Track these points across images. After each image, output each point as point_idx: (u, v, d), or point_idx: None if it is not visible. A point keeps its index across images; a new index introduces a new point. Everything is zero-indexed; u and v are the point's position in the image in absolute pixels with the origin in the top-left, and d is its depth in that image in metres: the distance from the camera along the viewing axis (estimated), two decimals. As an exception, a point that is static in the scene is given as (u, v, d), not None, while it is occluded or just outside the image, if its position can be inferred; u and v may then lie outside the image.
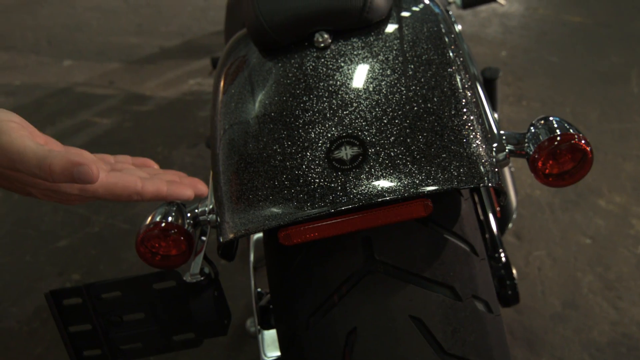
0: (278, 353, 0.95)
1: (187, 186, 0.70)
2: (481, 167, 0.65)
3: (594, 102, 2.28)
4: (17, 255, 1.75)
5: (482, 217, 1.06)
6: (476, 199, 1.11)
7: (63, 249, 1.77)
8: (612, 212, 1.79)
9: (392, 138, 0.66)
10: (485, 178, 0.65)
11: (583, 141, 0.68)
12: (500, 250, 1.04)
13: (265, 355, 0.94)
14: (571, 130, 0.69)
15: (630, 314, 1.48)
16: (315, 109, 0.69)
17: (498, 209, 1.13)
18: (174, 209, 0.78)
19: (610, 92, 2.34)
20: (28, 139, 0.57)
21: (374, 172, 0.64)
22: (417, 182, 0.63)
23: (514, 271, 1.03)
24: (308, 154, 0.67)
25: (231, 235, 0.66)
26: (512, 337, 1.43)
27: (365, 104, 0.69)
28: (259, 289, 1.00)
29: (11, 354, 1.45)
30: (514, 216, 1.24)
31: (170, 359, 1.43)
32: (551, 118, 0.73)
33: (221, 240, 0.69)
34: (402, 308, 0.68)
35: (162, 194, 0.66)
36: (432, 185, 0.63)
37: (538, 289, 1.56)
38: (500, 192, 0.70)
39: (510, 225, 1.23)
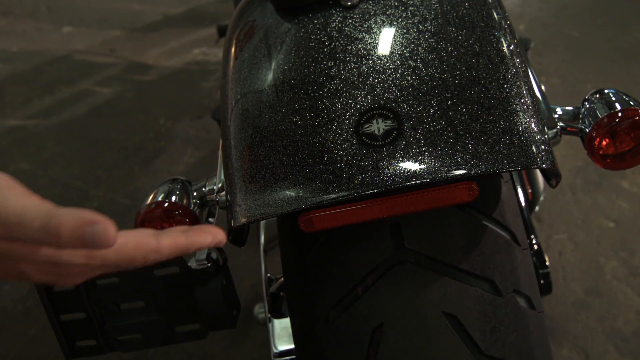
0: (290, 345, 0.88)
1: (204, 232, 0.59)
2: (533, 147, 0.57)
3: (616, 79, 2.21)
4: (13, 230, 1.69)
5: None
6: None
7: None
8: (637, 194, 1.74)
9: (432, 111, 0.58)
10: (539, 159, 0.57)
11: None
12: (532, 236, 0.96)
13: (275, 347, 0.87)
14: (633, 104, 0.61)
15: (657, 302, 1.42)
16: (342, 77, 0.61)
17: (530, 190, 1.05)
18: (179, 186, 0.71)
19: (634, 69, 2.26)
20: (26, 196, 0.47)
21: (410, 149, 0.57)
22: (461, 162, 0.55)
23: (547, 258, 0.96)
24: (334, 127, 0.59)
25: (244, 220, 0.59)
26: (532, 326, 1.37)
27: (399, 71, 0.60)
28: (269, 274, 0.93)
29: (5, 334, 1.41)
30: (542, 198, 1.16)
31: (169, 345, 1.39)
32: (607, 91, 0.66)
33: (232, 224, 0.61)
34: (435, 303, 0.62)
35: (181, 246, 0.56)
36: (478, 166, 0.55)
37: (559, 275, 1.51)
38: (555, 174, 0.62)
39: (537, 208, 1.16)
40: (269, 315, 0.92)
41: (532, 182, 1.15)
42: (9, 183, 0.48)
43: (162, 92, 2.34)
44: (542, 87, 0.71)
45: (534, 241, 0.97)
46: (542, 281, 0.96)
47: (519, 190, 0.98)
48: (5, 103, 2.29)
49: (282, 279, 0.92)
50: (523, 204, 0.97)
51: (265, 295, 0.92)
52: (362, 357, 0.63)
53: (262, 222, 1.00)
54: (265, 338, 1.38)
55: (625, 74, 2.23)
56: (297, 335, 0.71)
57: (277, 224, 0.76)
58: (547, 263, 0.96)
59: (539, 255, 0.97)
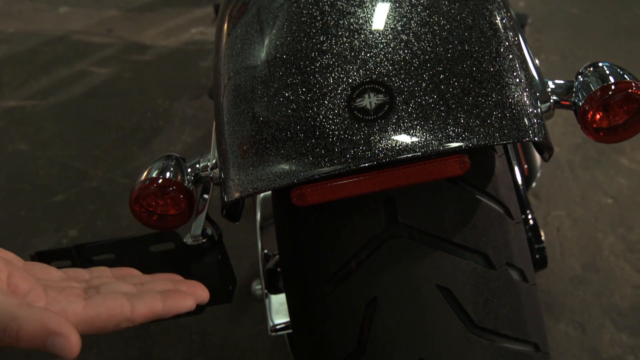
0: (286, 319, 0.89)
1: (185, 295, 0.56)
2: (526, 119, 0.57)
3: (616, 56, 2.19)
4: (12, 211, 1.70)
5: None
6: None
7: (59, 204, 1.73)
8: (636, 170, 1.74)
9: (424, 84, 0.57)
10: (531, 132, 0.57)
11: None
12: (528, 211, 0.97)
13: (272, 321, 0.88)
14: (626, 77, 0.61)
15: (654, 277, 1.42)
16: (334, 51, 0.60)
17: (526, 166, 1.05)
18: (173, 163, 0.71)
19: (634, 46, 2.25)
20: None
21: (402, 123, 0.56)
22: (453, 135, 0.55)
23: (542, 234, 0.96)
24: (326, 102, 0.58)
25: (237, 195, 0.59)
26: (529, 301, 1.38)
27: (392, 45, 0.60)
28: (265, 251, 0.94)
29: None
30: (539, 174, 1.16)
31: (171, 319, 1.39)
32: (601, 64, 0.65)
33: (225, 199, 0.61)
34: (428, 277, 0.62)
35: (157, 313, 0.53)
36: (470, 139, 0.55)
37: (557, 251, 1.51)
38: (547, 147, 0.61)
39: (534, 184, 1.16)
40: (266, 291, 0.93)
41: (529, 158, 1.15)
42: None
43: (160, 72, 2.32)
44: (536, 61, 0.71)
45: (529, 216, 0.97)
46: (537, 256, 0.96)
47: (515, 166, 0.98)
48: (2, 84, 2.27)
49: (278, 255, 0.93)
50: (519, 179, 0.97)
51: (262, 271, 0.92)
52: (356, 330, 0.64)
53: (258, 200, 1.00)
54: (263, 314, 1.39)
55: (625, 51, 2.21)
56: (292, 309, 0.71)
57: (272, 200, 0.76)
58: (543, 238, 0.97)
59: (534, 230, 0.97)
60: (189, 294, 0.56)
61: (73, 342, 0.42)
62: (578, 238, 1.54)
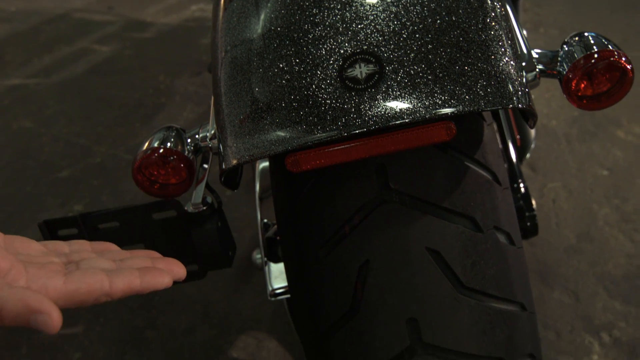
0: (284, 284, 0.92)
1: (162, 272, 0.58)
2: (510, 87, 0.59)
3: (615, 29, 2.21)
4: (18, 187, 1.75)
5: (501, 145, 1.01)
6: (495, 125, 1.06)
7: (64, 179, 1.77)
8: (631, 143, 1.77)
9: (412, 54, 0.60)
10: (515, 98, 0.59)
11: (623, 59, 0.62)
12: (520, 180, 0.99)
13: (271, 286, 0.92)
14: (610, 47, 0.63)
15: (647, 246, 1.46)
16: (326, 23, 0.63)
17: (518, 137, 1.07)
18: (173, 133, 0.74)
19: (634, 19, 2.26)
20: None
21: (392, 92, 0.59)
22: (440, 102, 0.58)
23: (534, 202, 0.99)
24: (318, 72, 0.61)
25: (234, 162, 0.62)
26: (524, 270, 1.41)
27: (381, 17, 0.62)
28: (265, 220, 0.98)
29: None
30: (533, 146, 1.19)
31: (175, 289, 1.46)
32: (587, 34, 0.67)
33: (224, 166, 0.64)
34: (419, 240, 0.65)
35: (135, 289, 0.55)
36: (456, 106, 0.58)
37: (552, 222, 1.55)
38: (531, 114, 0.64)
39: (528, 155, 1.18)
40: (265, 258, 0.96)
41: (522, 129, 1.17)
42: None
43: (161, 49, 2.35)
44: (524, 32, 0.73)
45: (521, 185, 1.00)
46: (528, 223, 0.99)
47: (508, 136, 1.00)
48: (5, 62, 2.31)
49: (276, 223, 0.96)
50: (511, 149, 1.00)
51: (262, 240, 0.96)
52: (350, 291, 0.67)
53: (257, 172, 1.03)
54: (264, 284, 1.43)
55: (624, 24, 2.22)
56: (289, 273, 0.75)
57: (269, 169, 0.79)
58: (534, 206, 1.00)
59: (526, 198, 1.00)
60: (166, 271, 0.58)
61: (54, 319, 0.45)
62: (573, 209, 1.57)
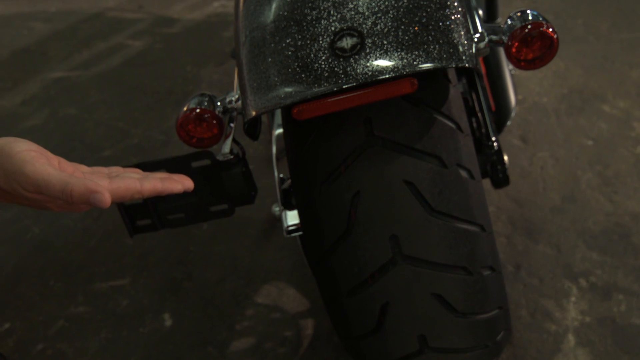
0: (297, 221, 1.10)
1: (176, 181, 0.77)
2: (462, 51, 0.76)
3: (606, 13, 2.30)
4: (67, 165, 1.91)
5: (477, 110, 1.18)
6: (473, 95, 1.24)
7: (107, 158, 1.93)
8: (615, 116, 1.87)
9: (386, 30, 0.76)
10: (465, 59, 0.76)
11: (550, 29, 0.79)
12: (494, 138, 1.16)
13: (286, 222, 1.08)
14: (542, 20, 0.81)
15: (625, 206, 1.59)
16: (322, 7, 0.80)
17: (493, 103, 1.25)
18: (206, 99, 0.91)
19: (623, 4, 2.35)
20: (50, 166, 0.65)
21: (370, 57, 0.75)
22: (407, 63, 0.74)
23: (505, 157, 1.16)
24: (315, 45, 0.77)
25: (254, 113, 0.78)
26: (512, 227, 1.57)
27: (363, 1, 0.80)
28: (281, 175, 1.13)
29: (70, 246, 1.64)
30: (513, 114, 1.35)
31: (207, 248, 1.60)
32: (528, 11, 0.83)
33: (245, 118, 0.82)
34: (397, 174, 0.80)
35: (158, 189, 0.73)
36: (417, 65, 0.75)
37: (540, 186, 1.67)
38: (478, 74, 0.82)
39: (509, 122, 1.35)
40: (282, 207, 1.14)
41: (501, 99, 1.34)
42: (39, 154, 0.67)
43: (188, 42, 2.48)
44: (479, 11, 0.90)
45: (495, 143, 1.17)
46: (500, 175, 1.16)
47: (483, 102, 1.17)
48: (49, 57, 2.45)
49: (288, 165, 1.12)
50: (486, 113, 1.17)
51: (278, 191, 1.13)
52: (345, 216, 0.83)
53: (274, 137, 1.21)
54: (284, 243, 1.61)
55: (615, 8, 2.32)
56: (299, 206, 0.91)
57: (283, 128, 0.96)
58: (506, 161, 1.17)
59: (498, 154, 1.17)
60: (179, 181, 0.77)
61: (106, 197, 0.63)
62: (559, 175, 1.69)
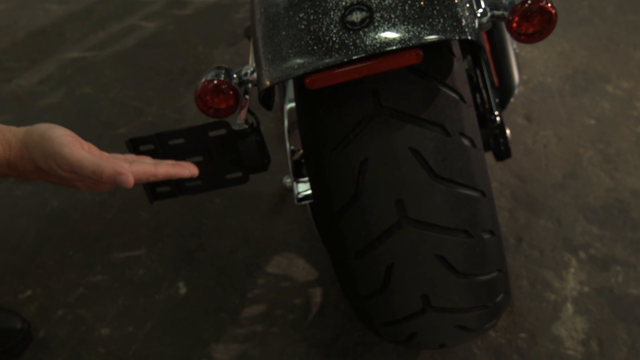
0: (308, 191, 1.15)
1: (184, 168, 0.91)
2: (464, 25, 0.81)
3: None
4: (84, 142, 1.97)
5: (482, 86, 1.23)
6: (478, 72, 1.28)
7: (122, 135, 1.98)
8: (618, 96, 1.90)
9: (393, 4, 0.80)
10: (467, 31, 0.81)
11: (549, 4, 0.84)
12: (496, 112, 1.21)
13: (297, 190, 1.13)
14: (540, -3, 0.85)
15: (625, 182, 1.64)
16: (333, -17, 0.85)
17: (496, 79, 1.29)
18: (223, 71, 0.96)
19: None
20: (83, 150, 0.77)
21: (378, 30, 0.79)
22: (412, 35, 0.79)
23: (508, 131, 1.21)
24: (327, 19, 0.81)
25: (268, 83, 0.83)
26: (515, 202, 1.62)
27: (372, -23, 0.84)
28: (292, 147, 1.18)
29: (87, 219, 1.70)
30: (516, 92, 1.39)
31: (220, 220, 1.65)
32: None
33: (260, 88, 0.86)
34: (403, 142, 0.84)
35: (170, 173, 0.87)
36: (423, 37, 0.79)
37: (542, 163, 1.71)
38: (480, 47, 0.86)
39: (512, 99, 1.39)
40: (293, 177, 1.19)
41: (505, 77, 1.38)
42: (74, 139, 0.78)
43: (199, 24, 2.51)
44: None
45: (497, 117, 1.22)
46: (502, 148, 1.21)
47: (487, 77, 1.22)
48: (65, 38, 2.49)
49: (302, 150, 1.17)
50: (490, 88, 1.21)
51: (290, 162, 1.18)
52: (354, 182, 0.88)
53: (285, 111, 1.26)
54: (294, 216, 1.66)
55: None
56: (310, 173, 0.95)
57: (295, 97, 1.00)
58: (508, 134, 1.22)
59: (501, 128, 1.22)
60: (187, 167, 0.90)
61: (130, 178, 0.76)
62: (562, 152, 1.73)
